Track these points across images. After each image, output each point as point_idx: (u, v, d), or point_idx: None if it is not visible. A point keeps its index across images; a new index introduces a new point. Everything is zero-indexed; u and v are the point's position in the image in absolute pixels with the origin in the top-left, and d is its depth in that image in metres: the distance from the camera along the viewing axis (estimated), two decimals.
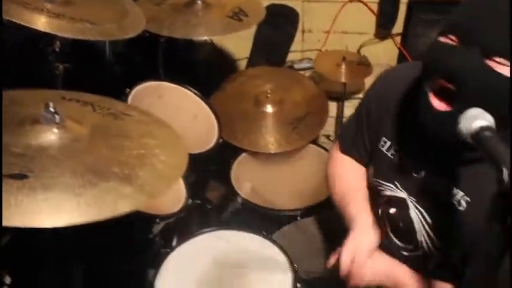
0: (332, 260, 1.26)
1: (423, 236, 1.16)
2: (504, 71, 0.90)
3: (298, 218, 1.86)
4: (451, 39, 0.95)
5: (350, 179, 1.40)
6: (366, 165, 1.41)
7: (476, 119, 0.83)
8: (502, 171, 0.71)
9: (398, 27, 2.75)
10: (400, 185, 1.20)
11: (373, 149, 1.29)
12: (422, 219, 1.15)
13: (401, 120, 1.19)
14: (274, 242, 1.55)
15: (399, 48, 2.76)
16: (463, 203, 1.05)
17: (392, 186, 1.22)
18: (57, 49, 1.58)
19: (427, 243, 1.16)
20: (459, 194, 1.06)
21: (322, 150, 2.20)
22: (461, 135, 0.85)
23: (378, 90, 1.29)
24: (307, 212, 1.87)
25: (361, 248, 1.21)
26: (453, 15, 0.98)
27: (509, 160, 0.71)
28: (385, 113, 1.22)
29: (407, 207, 1.18)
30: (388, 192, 1.23)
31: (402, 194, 1.19)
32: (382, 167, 1.26)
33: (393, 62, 2.76)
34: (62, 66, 1.60)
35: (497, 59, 0.90)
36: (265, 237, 1.57)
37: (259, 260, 1.49)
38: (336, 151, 1.46)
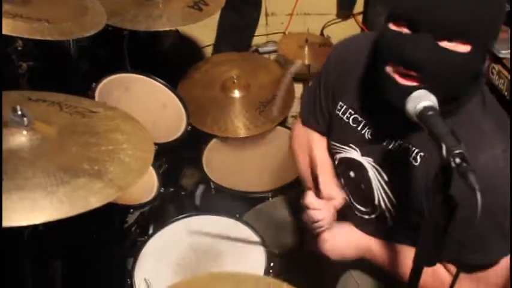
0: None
1: (380, 195, 1.20)
2: (460, 48, 0.94)
3: (269, 198, 1.93)
4: (402, 27, 0.98)
5: (312, 150, 1.42)
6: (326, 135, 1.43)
7: (421, 100, 0.89)
8: (441, 147, 0.78)
9: (359, 6, 2.81)
10: (356, 146, 1.24)
11: (330, 115, 1.33)
12: (380, 178, 1.19)
13: (361, 87, 1.22)
14: (246, 223, 1.61)
15: (361, 27, 2.82)
16: (418, 159, 1.10)
17: (347, 148, 1.26)
18: (19, 48, 1.59)
19: (384, 202, 1.20)
20: (415, 151, 1.11)
21: (290, 132, 2.26)
22: (408, 114, 0.92)
23: (333, 60, 1.31)
24: (278, 192, 1.94)
25: (330, 183, 1.28)
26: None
27: (447, 136, 0.78)
28: (343, 79, 1.26)
29: (365, 168, 1.22)
30: (343, 154, 1.28)
31: (357, 156, 1.23)
32: (337, 130, 1.29)
33: None
34: (25, 64, 1.60)
35: (451, 43, 0.94)
36: (237, 219, 1.64)
37: (233, 242, 1.55)
38: (298, 127, 1.50)
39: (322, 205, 1.26)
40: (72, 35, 1.35)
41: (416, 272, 0.89)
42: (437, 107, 0.89)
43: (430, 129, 0.84)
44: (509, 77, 1.83)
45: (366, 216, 1.28)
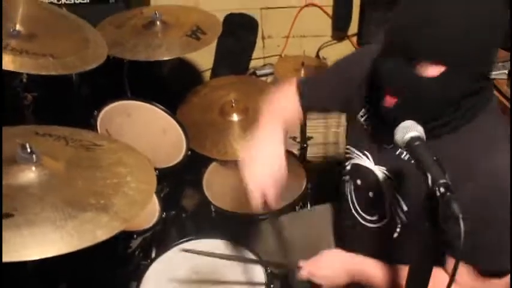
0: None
1: (392, 203, 1.21)
2: (429, 73, 0.99)
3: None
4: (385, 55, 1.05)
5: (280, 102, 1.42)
6: (304, 111, 1.44)
7: (408, 131, 0.93)
8: (427, 177, 0.83)
9: (353, 27, 2.88)
10: (369, 154, 1.26)
11: (351, 118, 1.34)
12: (391, 186, 1.21)
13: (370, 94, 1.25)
14: (246, 246, 1.64)
15: (356, 48, 2.89)
16: None
17: (361, 154, 1.28)
18: (24, 80, 1.64)
19: (395, 210, 1.21)
20: None
21: (288, 154, 2.30)
22: (397, 144, 0.97)
23: (357, 61, 1.32)
24: (277, 214, 1.97)
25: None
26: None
27: (432, 167, 0.83)
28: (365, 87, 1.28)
29: (376, 176, 1.24)
30: (355, 161, 1.30)
31: (369, 164, 1.26)
32: (356, 134, 1.31)
33: None
34: (30, 96, 1.65)
35: (420, 64, 0.99)
36: (238, 243, 1.67)
37: (235, 265, 1.59)
38: (289, 86, 1.47)
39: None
40: (75, 69, 1.40)
41: None
42: (424, 138, 0.93)
43: (416, 159, 0.89)
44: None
45: (371, 225, 1.30)
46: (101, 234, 0.90)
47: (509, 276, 1.10)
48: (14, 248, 0.84)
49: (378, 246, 1.28)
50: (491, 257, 1.09)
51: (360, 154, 1.29)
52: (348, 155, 1.35)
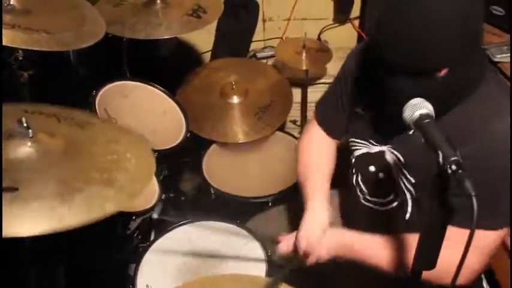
0: (282, 246, 1.34)
1: (401, 180, 1.23)
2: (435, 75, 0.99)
3: (270, 203, 1.95)
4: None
5: (314, 155, 1.47)
6: (338, 137, 1.48)
7: (417, 108, 0.92)
8: (438, 155, 0.80)
9: (355, 11, 2.83)
10: (375, 141, 1.27)
11: (351, 113, 1.36)
12: (398, 162, 1.22)
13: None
14: (247, 229, 1.63)
15: (358, 32, 2.85)
16: None
17: (366, 143, 1.29)
18: (20, 57, 1.60)
19: (405, 186, 1.22)
20: None
21: (289, 137, 2.29)
22: (405, 122, 0.94)
23: (354, 60, 1.35)
24: (277, 197, 1.96)
25: (313, 230, 1.30)
26: None
27: (443, 144, 0.81)
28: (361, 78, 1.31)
29: (383, 156, 1.25)
30: (362, 151, 1.31)
31: (376, 149, 1.27)
32: (358, 126, 1.33)
33: (353, 45, 2.85)
34: (26, 74, 1.61)
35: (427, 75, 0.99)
36: (238, 225, 1.65)
37: (234, 248, 1.57)
38: (311, 125, 1.53)
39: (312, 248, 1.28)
40: (70, 45, 1.35)
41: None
42: (433, 115, 0.91)
43: (426, 137, 0.87)
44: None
45: (383, 208, 1.30)
46: (110, 207, 0.88)
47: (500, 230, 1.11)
48: (22, 222, 0.82)
49: (391, 227, 1.27)
50: (488, 217, 1.07)
51: (365, 143, 1.30)
52: (352, 148, 1.35)
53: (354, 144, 1.34)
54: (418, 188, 1.20)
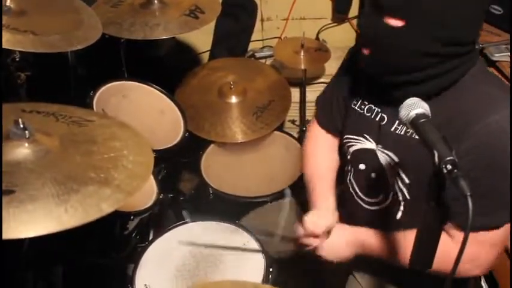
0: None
1: (394, 179, 1.23)
2: (393, 24, 1.02)
3: (268, 203, 1.95)
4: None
5: (320, 159, 1.48)
6: (339, 135, 1.47)
7: (413, 108, 0.92)
8: (433, 154, 0.81)
9: (354, 10, 2.83)
10: (370, 136, 1.27)
11: (346, 110, 1.37)
12: (390, 162, 1.22)
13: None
14: (245, 228, 1.63)
15: (356, 31, 2.85)
16: None
17: (362, 139, 1.29)
18: (17, 58, 1.60)
19: (398, 185, 1.22)
20: None
21: (287, 136, 2.28)
22: (402, 122, 0.94)
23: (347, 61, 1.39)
24: (276, 197, 1.96)
25: (323, 215, 1.31)
26: None
27: (438, 144, 0.81)
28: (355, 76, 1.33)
29: (376, 156, 1.25)
30: (357, 146, 1.31)
31: (371, 145, 1.27)
32: (353, 122, 1.33)
33: (352, 44, 2.84)
34: (23, 75, 1.61)
35: (393, 19, 1.02)
36: (236, 225, 1.66)
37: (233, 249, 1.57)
38: (313, 126, 1.54)
39: (319, 231, 1.28)
40: (57, 48, 1.32)
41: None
42: (430, 114, 0.91)
43: (422, 136, 0.87)
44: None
45: (375, 208, 1.30)
46: (106, 207, 0.88)
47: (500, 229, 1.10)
48: (20, 224, 0.82)
49: (382, 226, 1.27)
50: (482, 213, 1.06)
51: (361, 139, 1.30)
52: (347, 144, 1.35)
53: (349, 140, 1.34)
54: (412, 188, 1.20)
